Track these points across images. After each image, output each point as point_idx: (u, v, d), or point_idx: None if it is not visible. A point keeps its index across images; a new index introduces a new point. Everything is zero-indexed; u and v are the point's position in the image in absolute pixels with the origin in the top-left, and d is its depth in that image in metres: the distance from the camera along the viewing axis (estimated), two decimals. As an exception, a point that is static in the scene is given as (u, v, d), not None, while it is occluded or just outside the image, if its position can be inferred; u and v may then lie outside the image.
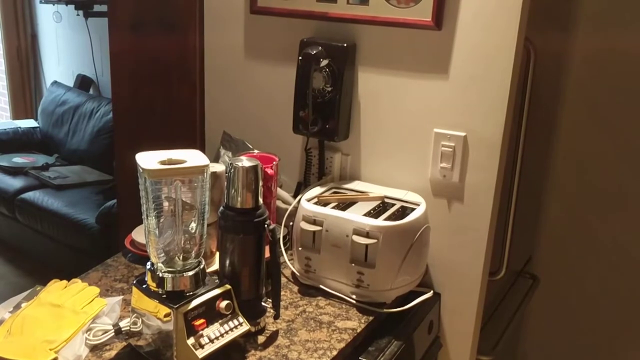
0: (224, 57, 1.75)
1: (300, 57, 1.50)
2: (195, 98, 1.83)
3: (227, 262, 1.18)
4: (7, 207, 3.74)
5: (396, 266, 1.34)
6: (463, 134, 1.43)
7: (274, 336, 1.21)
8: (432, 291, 1.49)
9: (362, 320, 1.30)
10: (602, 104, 2.07)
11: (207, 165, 1.08)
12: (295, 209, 1.46)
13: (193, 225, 1.10)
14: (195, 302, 1.07)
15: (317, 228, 1.36)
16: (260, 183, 1.16)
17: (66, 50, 4.57)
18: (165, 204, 1.07)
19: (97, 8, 3.94)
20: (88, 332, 1.14)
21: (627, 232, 2.12)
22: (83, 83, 4.45)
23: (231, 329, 1.11)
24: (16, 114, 4.87)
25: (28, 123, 4.53)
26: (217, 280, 1.13)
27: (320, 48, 1.48)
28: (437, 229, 1.48)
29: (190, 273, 1.09)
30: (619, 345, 2.24)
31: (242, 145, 1.67)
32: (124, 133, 2.09)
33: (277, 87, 1.65)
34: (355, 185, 1.55)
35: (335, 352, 1.18)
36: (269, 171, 1.42)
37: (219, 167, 1.33)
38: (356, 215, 1.36)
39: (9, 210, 3.73)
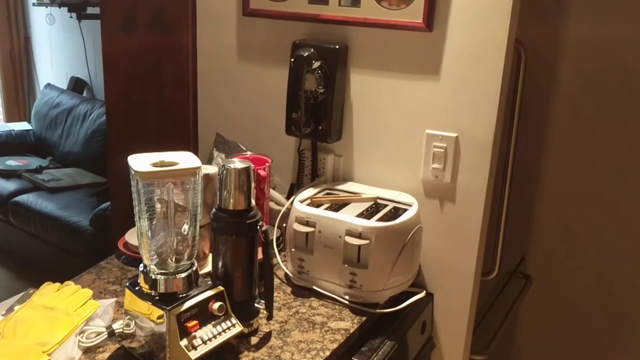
0: (216, 59, 1.75)
1: (292, 59, 1.50)
2: (188, 100, 1.83)
3: (220, 263, 1.18)
4: (0, 210, 3.72)
5: (389, 267, 1.34)
6: (454, 134, 1.44)
7: (267, 337, 1.22)
8: (425, 291, 1.50)
9: (355, 321, 1.30)
10: (592, 109, 2.09)
11: (199, 167, 1.08)
12: (288, 210, 1.46)
13: (185, 227, 1.10)
14: (188, 304, 1.07)
15: (310, 229, 1.37)
16: (253, 184, 1.17)
17: (59, 52, 4.56)
18: (158, 206, 1.08)
19: (90, 10, 3.94)
20: (81, 335, 1.15)
21: (620, 231, 2.14)
22: (76, 85, 4.44)
23: (224, 330, 1.11)
24: (9, 117, 4.86)
25: (21, 126, 4.52)
26: (209, 282, 1.14)
27: (312, 50, 1.48)
28: (429, 230, 1.49)
29: (183, 275, 1.09)
30: (612, 344, 2.25)
31: (235, 146, 1.68)
32: (117, 135, 2.09)
33: (269, 88, 1.65)
34: (348, 186, 1.56)
35: (328, 353, 1.19)
36: (262, 173, 1.42)
37: (211, 169, 1.34)
38: (349, 217, 1.37)
39: (3, 213, 3.72)
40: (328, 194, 1.53)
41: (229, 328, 1.12)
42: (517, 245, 2.19)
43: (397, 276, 1.37)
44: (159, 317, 1.06)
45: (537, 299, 2.24)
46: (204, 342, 1.08)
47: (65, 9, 4.02)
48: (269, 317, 1.23)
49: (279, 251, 1.47)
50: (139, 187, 1.05)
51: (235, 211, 1.15)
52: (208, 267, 1.32)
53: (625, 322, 2.20)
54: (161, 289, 1.08)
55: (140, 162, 1.06)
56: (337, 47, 1.49)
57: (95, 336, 1.15)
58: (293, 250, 1.40)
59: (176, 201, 1.08)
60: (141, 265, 1.11)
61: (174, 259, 1.10)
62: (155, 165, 1.06)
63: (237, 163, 1.15)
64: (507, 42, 1.34)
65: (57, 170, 4.01)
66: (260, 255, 1.20)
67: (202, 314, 1.09)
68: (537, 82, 1.92)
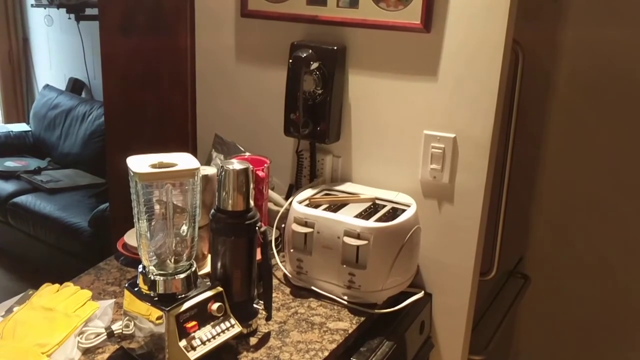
0: (215, 60, 1.75)
1: (290, 60, 1.50)
2: (187, 101, 1.83)
3: (219, 264, 1.19)
4: (-1, 211, 3.73)
5: (387, 267, 1.35)
6: (452, 135, 1.44)
7: (265, 338, 1.22)
8: (423, 291, 1.50)
9: (354, 321, 1.31)
10: (588, 110, 2.10)
11: (197, 169, 1.08)
12: (287, 211, 1.46)
13: (184, 228, 1.11)
14: (187, 305, 1.08)
15: (309, 230, 1.37)
16: (252, 185, 1.17)
17: (58, 53, 4.56)
18: (157, 207, 1.08)
19: (88, 11, 3.93)
20: (80, 336, 1.15)
21: (617, 231, 2.14)
22: (75, 86, 4.44)
23: (223, 331, 1.12)
24: (8, 118, 4.86)
25: (20, 127, 4.51)
26: (208, 283, 1.14)
27: (310, 51, 1.49)
28: (427, 230, 1.49)
29: (182, 276, 1.09)
30: (611, 343, 2.26)
31: (234, 147, 1.68)
32: (116, 136, 2.09)
33: (268, 89, 1.66)
34: (347, 187, 1.56)
35: (327, 353, 1.19)
36: (260, 173, 1.43)
37: (210, 170, 1.34)
38: (347, 217, 1.37)
39: (1, 215, 3.72)
40: (326, 194, 1.53)
41: (227, 329, 1.12)
42: (516, 245, 2.19)
43: (395, 276, 1.37)
44: (158, 318, 1.06)
45: (536, 299, 2.25)
46: (203, 343, 1.08)
47: (63, 10, 4.02)
48: (268, 318, 1.23)
49: (277, 252, 1.47)
50: (137, 189, 1.05)
51: (234, 212, 1.15)
52: (207, 268, 1.32)
53: (624, 321, 2.21)
54: (160, 289, 1.08)
55: (139, 163, 1.06)
56: (335, 48, 1.50)
57: (95, 337, 1.15)
58: (292, 250, 1.40)
59: (175, 202, 1.08)
60: (140, 266, 1.11)
61: (172, 260, 1.10)
62: (154, 166, 1.06)
63: (235, 164, 1.15)
64: (505, 43, 1.35)
65: (55, 171, 4.00)
66: (259, 256, 1.20)
67: (201, 315, 1.10)
68: (534, 83, 1.93)
